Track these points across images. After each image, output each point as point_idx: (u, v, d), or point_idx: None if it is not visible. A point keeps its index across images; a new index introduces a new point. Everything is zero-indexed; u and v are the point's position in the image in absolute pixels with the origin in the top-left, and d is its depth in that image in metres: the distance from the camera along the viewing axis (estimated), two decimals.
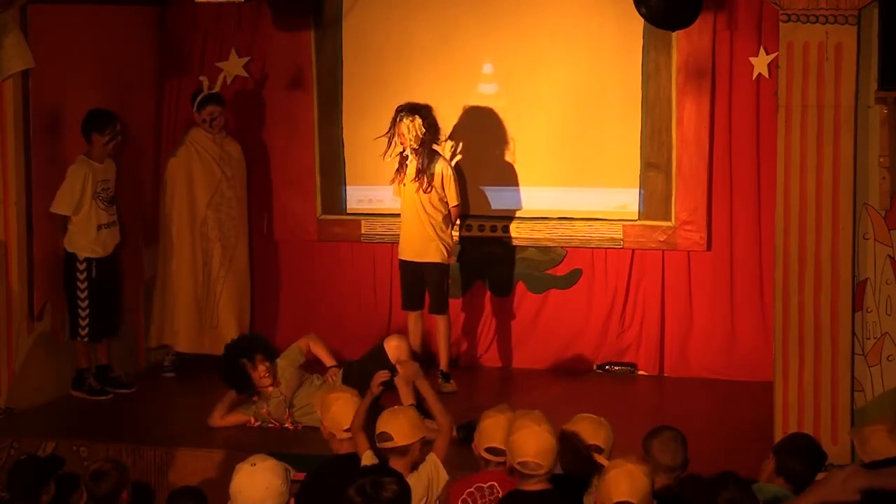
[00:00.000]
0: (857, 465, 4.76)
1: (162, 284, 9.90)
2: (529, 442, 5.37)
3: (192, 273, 9.82)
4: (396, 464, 5.87)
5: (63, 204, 9.03)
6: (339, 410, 6.30)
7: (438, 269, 9.30)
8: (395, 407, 6.31)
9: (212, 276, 9.88)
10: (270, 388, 8.44)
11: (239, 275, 10.01)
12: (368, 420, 6.31)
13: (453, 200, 9.35)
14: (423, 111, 9.21)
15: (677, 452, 5.60)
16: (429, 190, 9.20)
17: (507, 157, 9.89)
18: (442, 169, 9.28)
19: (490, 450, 5.77)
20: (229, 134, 10.01)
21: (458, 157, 9.82)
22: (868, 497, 4.67)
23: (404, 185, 9.26)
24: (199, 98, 9.75)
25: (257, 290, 10.31)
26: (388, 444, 5.96)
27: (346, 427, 6.24)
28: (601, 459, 5.55)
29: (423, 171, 9.19)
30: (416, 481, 5.91)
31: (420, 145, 9.16)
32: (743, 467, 5.55)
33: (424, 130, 9.17)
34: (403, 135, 9.16)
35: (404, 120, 9.15)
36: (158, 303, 9.91)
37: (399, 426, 5.97)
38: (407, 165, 9.23)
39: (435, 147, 9.37)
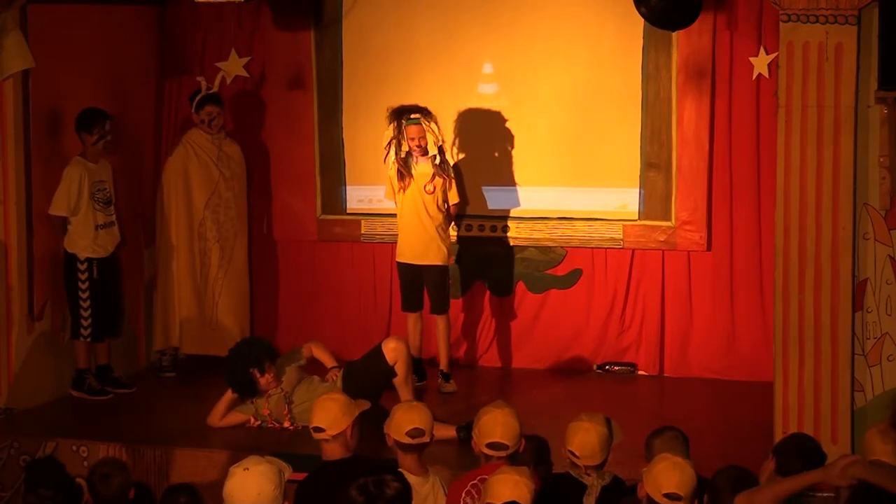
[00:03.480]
0: (861, 457, 4.80)
1: (162, 285, 9.90)
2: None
3: (190, 274, 9.82)
4: (408, 458, 5.93)
5: (60, 205, 9.02)
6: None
7: (440, 270, 9.29)
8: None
9: (210, 278, 9.88)
10: (273, 388, 8.44)
11: (238, 276, 10.01)
12: (368, 422, 6.28)
13: (455, 198, 9.35)
14: (429, 111, 9.21)
15: (679, 452, 5.59)
16: (450, 187, 9.20)
17: (507, 157, 9.89)
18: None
19: (491, 445, 5.78)
20: (228, 134, 10.01)
21: (460, 157, 9.83)
22: (859, 488, 4.70)
23: (404, 191, 9.22)
24: (197, 98, 9.75)
25: (257, 290, 10.31)
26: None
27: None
28: None
29: (445, 171, 9.20)
30: (433, 483, 5.99)
31: (440, 143, 9.19)
32: None
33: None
34: (423, 137, 9.10)
35: (421, 123, 9.12)
36: (160, 304, 9.92)
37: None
38: (412, 169, 9.20)
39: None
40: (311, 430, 6.07)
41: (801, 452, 5.81)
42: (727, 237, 9.59)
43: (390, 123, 9.22)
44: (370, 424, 6.33)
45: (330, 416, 6.00)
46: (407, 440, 5.93)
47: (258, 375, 8.33)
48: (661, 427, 5.85)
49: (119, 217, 9.34)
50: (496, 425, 5.78)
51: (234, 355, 8.46)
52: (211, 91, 9.76)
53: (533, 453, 6.05)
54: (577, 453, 5.75)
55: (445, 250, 9.29)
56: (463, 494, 5.70)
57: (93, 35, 9.48)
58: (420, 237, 9.24)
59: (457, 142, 9.83)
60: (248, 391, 8.40)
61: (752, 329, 9.54)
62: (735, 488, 5.07)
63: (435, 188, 9.20)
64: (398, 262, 9.41)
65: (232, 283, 9.96)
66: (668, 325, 9.80)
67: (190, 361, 9.99)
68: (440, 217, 9.25)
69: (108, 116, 9.15)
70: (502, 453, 5.74)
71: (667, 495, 4.96)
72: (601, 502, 5.70)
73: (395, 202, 9.38)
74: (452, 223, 9.59)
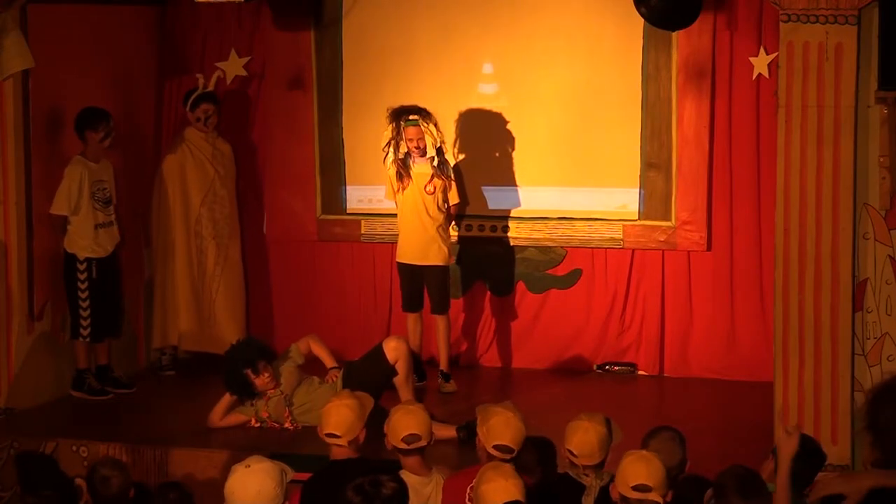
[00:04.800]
0: (870, 466, 4.79)
1: (161, 284, 9.91)
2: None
3: (188, 271, 9.84)
4: (410, 460, 5.97)
5: (61, 204, 9.02)
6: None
7: (441, 271, 9.29)
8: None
9: (207, 274, 9.89)
10: (271, 390, 8.43)
11: (234, 273, 10.02)
12: (369, 422, 6.28)
13: (455, 199, 9.35)
14: (428, 112, 9.20)
15: (674, 452, 5.61)
16: (450, 188, 9.21)
17: (507, 157, 9.89)
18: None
19: (498, 447, 5.79)
20: (224, 133, 10.02)
21: (459, 158, 9.82)
22: (875, 495, 4.68)
23: (403, 191, 9.22)
24: (192, 97, 9.76)
25: (257, 290, 10.32)
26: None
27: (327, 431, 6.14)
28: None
29: (444, 173, 9.20)
30: (436, 482, 6.00)
31: (439, 145, 9.18)
32: None
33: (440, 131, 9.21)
34: (421, 139, 9.10)
35: (420, 124, 9.11)
36: (158, 302, 9.93)
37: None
38: (411, 169, 9.20)
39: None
40: (325, 436, 6.05)
41: (802, 452, 5.82)
42: (727, 237, 9.59)
43: (390, 124, 9.22)
44: (370, 424, 6.33)
45: (346, 423, 6.00)
46: (403, 446, 5.96)
47: (253, 376, 8.32)
48: (657, 427, 5.85)
49: (118, 217, 9.34)
50: (507, 428, 5.81)
51: (228, 357, 8.47)
52: (207, 90, 9.77)
53: (539, 455, 6.07)
54: (575, 452, 5.76)
55: (446, 250, 9.29)
56: (469, 491, 5.70)
57: (93, 35, 9.48)
58: (420, 237, 9.23)
59: (457, 142, 9.83)
60: (245, 392, 8.40)
61: (752, 329, 9.54)
62: (741, 488, 5.07)
63: (435, 189, 9.20)
64: (398, 263, 9.40)
65: (228, 279, 9.97)
66: (668, 325, 9.80)
67: (190, 361, 9.99)
68: (440, 217, 9.24)
69: (110, 114, 9.16)
70: (507, 456, 5.77)
71: (635, 487, 4.97)
72: (600, 502, 5.70)
73: (395, 202, 9.37)
74: (453, 223, 9.60)
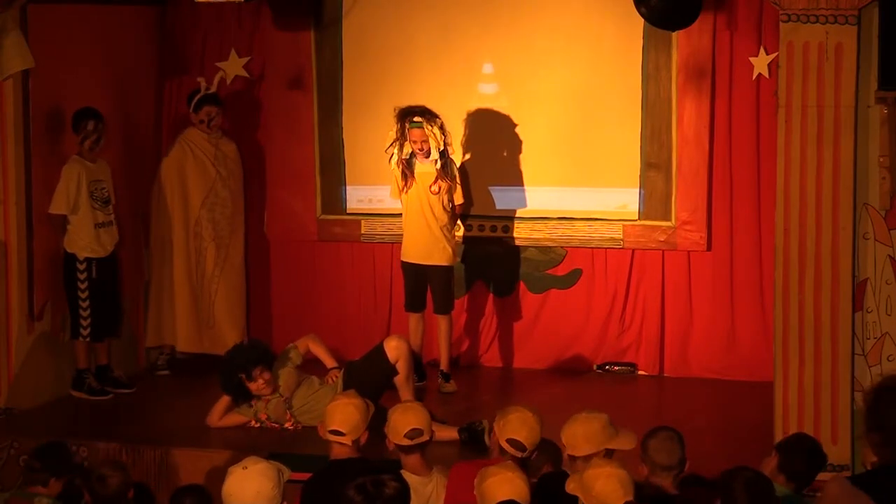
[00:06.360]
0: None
1: (158, 284, 9.90)
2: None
3: (186, 272, 9.83)
4: (410, 459, 5.99)
5: (60, 203, 9.02)
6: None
7: (445, 271, 9.28)
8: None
9: (206, 276, 9.89)
10: (269, 394, 8.42)
11: (234, 274, 10.02)
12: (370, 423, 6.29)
13: (460, 199, 9.35)
14: (433, 114, 9.17)
15: (674, 452, 5.60)
16: (454, 189, 9.20)
17: (507, 158, 9.89)
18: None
19: (512, 441, 5.80)
20: (227, 134, 10.02)
21: (463, 158, 9.82)
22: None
23: (408, 191, 9.21)
24: (195, 98, 9.76)
25: (257, 290, 10.32)
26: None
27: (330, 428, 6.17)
28: None
29: (448, 174, 9.18)
30: (436, 481, 6.01)
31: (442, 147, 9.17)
32: None
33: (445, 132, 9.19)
34: (425, 141, 9.08)
35: (424, 126, 9.09)
36: (155, 302, 9.92)
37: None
38: (414, 170, 9.19)
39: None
40: (328, 433, 6.05)
41: (805, 452, 5.83)
42: (727, 237, 9.59)
43: (396, 124, 9.21)
44: (371, 426, 6.33)
45: (351, 422, 6.01)
46: (406, 442, 5.96)
47: (247, 381, 8.31)
48: (656, 427, 5.84)
49: (117, 217, 9.33)
50: (524, 426, 5.81)
51: (225, 361, 8.49)
52: (209, 91, 9.77)
53: (545, 457, 6.09)
54: (563, 442, 5.75)
55: (450, 250, 9.29)
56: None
57: (93, 35, 9.48)
58: (425, 237, 9.23)
59: (458, 142, 9.82)
60: (241, 396, 8.40)
61: (752, 329, 9.54)
62: (750, 491, 5.06)
63: (440, 189, 9.19)
64: (403, 262, 9.39)
65: (228, 281, 9.97)
66: (668, 325, 9.80)
67: (186, 361, 9.99)
68: (445, 217, 9.24)
69: (94, 117, 9.05)
70: (519, 454, 5.77)
71: None
72: None
73: (400, 202, 9.37)
74: (459, 223, 9.59)
